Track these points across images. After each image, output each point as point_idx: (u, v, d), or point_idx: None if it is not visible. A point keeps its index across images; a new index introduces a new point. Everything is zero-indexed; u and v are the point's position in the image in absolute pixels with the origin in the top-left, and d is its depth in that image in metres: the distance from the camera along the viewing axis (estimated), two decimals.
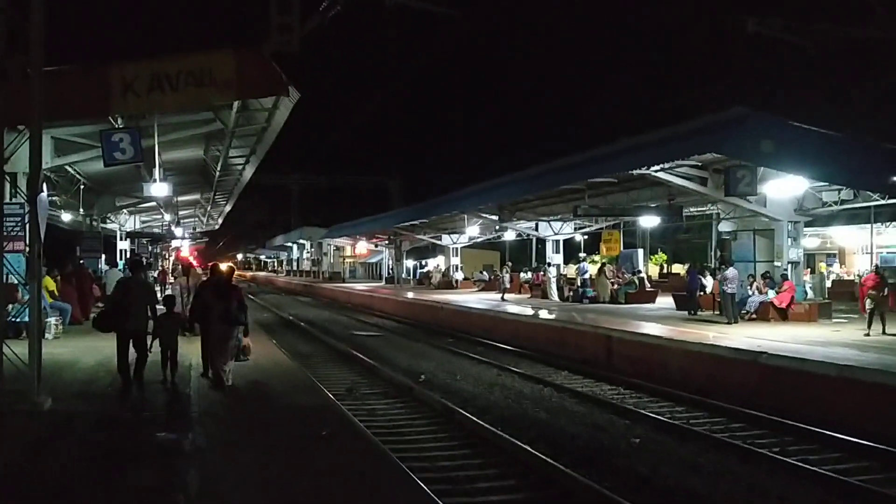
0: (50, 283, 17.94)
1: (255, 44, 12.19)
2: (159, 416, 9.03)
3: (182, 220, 39.99)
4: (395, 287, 47.05)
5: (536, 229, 34.52)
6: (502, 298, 30.92)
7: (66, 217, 25.64)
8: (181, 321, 12.09)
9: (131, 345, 10.48)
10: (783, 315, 18.72)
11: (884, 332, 15.23)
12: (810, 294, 20.87)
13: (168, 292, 14.60)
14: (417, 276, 52.53)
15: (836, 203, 19.82)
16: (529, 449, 9.28)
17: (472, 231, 40.12)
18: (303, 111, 16.02)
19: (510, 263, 35.59)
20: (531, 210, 31.38)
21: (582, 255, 40.23)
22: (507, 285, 33.17)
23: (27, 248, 11.28)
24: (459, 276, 44.58)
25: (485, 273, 45.33)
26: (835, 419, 10.71)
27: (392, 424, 11.32)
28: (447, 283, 43.31)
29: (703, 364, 14.25)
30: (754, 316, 18.94)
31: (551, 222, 33.28)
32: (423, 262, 57.96)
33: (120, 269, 21.00)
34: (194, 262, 35.14)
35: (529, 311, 23.90)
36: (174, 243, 43.79)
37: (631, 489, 8.24)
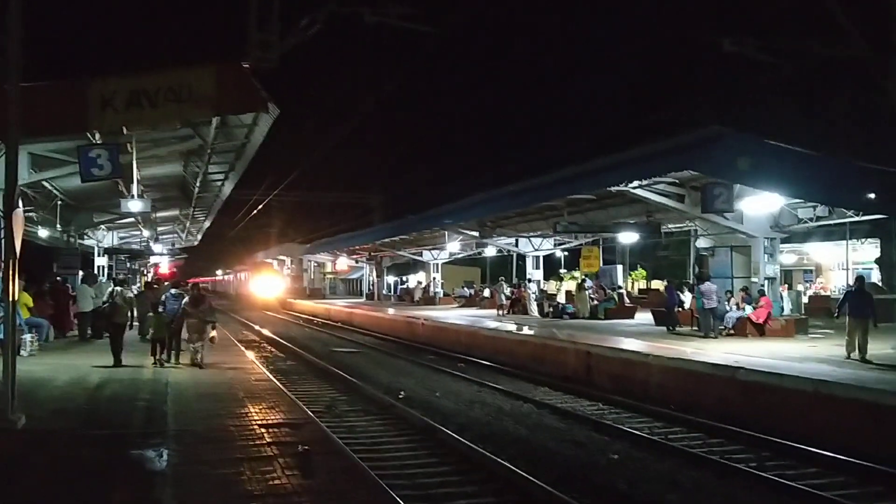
0: (27, 299, 17.77)
1: (235, 60, 12.20)
2: (135, 433, 8.94)
3: (161, 236, 39.73)
4: (376, 303, 46.95)
5: (516, 245, 34.66)
6: (498, 314, 30.70)
7: (44, 233, 25.38)
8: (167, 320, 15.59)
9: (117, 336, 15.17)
10: (760, 330, 18.85)
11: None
12: (787, 310, 21.04)
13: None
14: (398, 293, 52.43)
15: (811, 220, 20.07)
16: (509, 465, 9.27)
17: (453, 247, 40.18)
18: (283, 126, 16.04)
19: (503, 279, 35.43)
20: (511, 226, 31.49)
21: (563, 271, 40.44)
22: (505, 301, 31.74)
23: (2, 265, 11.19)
24: (440, 291, 44.56)
25: (466, 289, 45.32)
26: (811, 434, 10.80)
27: (372, 441, 11.27)
28: (428, 299, 43.28)
29: (681, 379, 14.32)
30: (732, 331, 19.08)
31: (531, 238, 33.42)
32: (404, 279, 57.86)
33: (89, 285, 20.87)
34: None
35: (509, 328, 23.92)
36: (153, 259, 43.44)
37: None
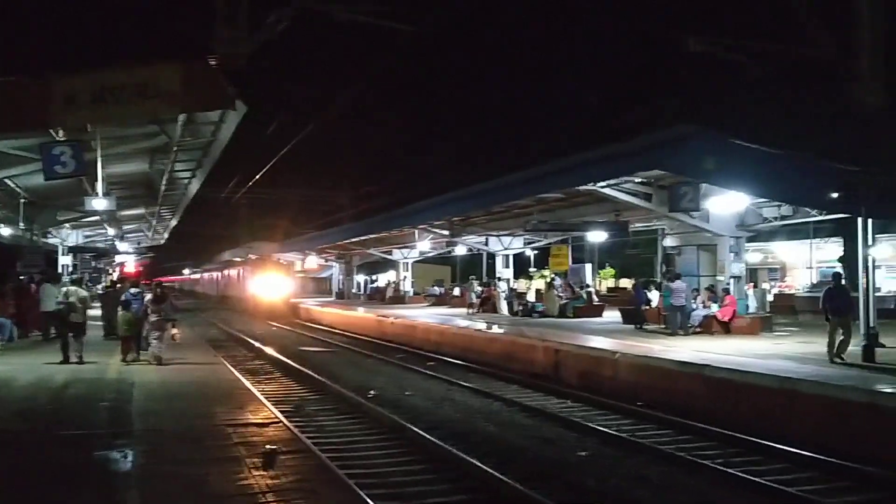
0: None
1: (202, 57, 12.05)
2: (100, 434, 8.82)
3: (126, 235, 39.24)
4: (346, 302, 46.73)
5: (486, 244, 34.74)
6: (468, 312, 30.76)
7: (6, 232, 24.97)
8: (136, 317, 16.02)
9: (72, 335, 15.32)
10: (726, 328, 19.07)
11: None
12: (752, 308, 21.29)
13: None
14: (368, 291, 52.23)
15: (776, 219, 20.31)
16: (479, 464, 9.28)
17: (423, 246, 40.10)
18: (251, 123, 15.95)
19: (473, 277, 35.46)
20: (481, 225, 31.54)
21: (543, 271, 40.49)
22: (475, 299, 32.00)
23: None
24: (410, 290, 44.48)
25: (436, 288, 45.26)
26: (777, 430, 10.93)
27: (341, 441, 11.20)
28: (398, 298, 43.19)
29: (648, 376, 14.44)
30: (698, 329, 19.27)
31: (501, 237, 33.50)
32: (374, 277, 57.62)
33: (52, 285, 20.60)
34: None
35: (479, 326, 23.97)
36: (118, 258, 42.89)
37: (580, 502, 8.31)
